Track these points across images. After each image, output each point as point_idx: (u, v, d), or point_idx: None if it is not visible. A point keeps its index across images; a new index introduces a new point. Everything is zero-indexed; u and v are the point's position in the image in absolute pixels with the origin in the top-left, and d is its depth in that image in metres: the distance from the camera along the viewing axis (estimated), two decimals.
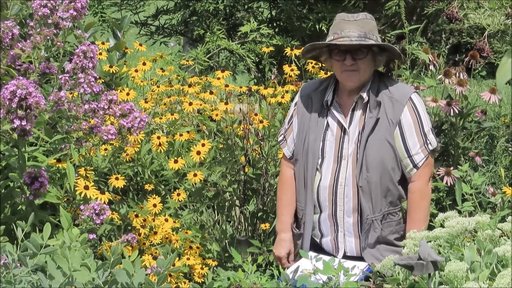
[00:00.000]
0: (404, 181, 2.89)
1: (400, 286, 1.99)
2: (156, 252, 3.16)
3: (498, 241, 1.99)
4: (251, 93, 3.89)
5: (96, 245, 3.09)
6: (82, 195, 2.97)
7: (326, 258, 2.40)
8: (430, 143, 2.86)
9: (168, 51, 8.33)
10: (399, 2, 4.32)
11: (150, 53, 6.39)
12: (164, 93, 4.03)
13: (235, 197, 3.72)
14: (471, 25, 3.73)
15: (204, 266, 3.30)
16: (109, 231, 3.31)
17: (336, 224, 2.90)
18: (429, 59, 3.73)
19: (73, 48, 3.43)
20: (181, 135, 3.61)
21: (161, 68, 4.16)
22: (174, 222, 3.35)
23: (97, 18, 7.08)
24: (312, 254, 2.62)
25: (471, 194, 3.26)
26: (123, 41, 4.67)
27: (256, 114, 3.72)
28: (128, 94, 3.87)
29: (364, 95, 2.86)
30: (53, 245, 2.26)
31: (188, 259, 3.24)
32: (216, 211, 3.83)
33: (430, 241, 2.03)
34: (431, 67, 3.85)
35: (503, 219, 2.44)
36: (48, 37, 2.94)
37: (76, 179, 2.94)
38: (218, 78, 3.79)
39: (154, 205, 3.35)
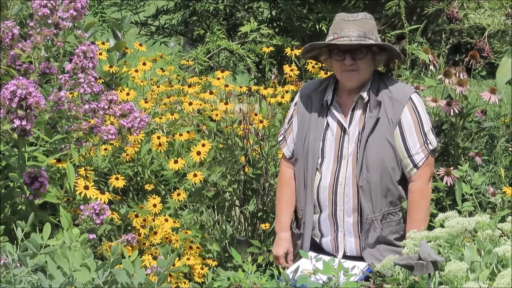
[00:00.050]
0: (404, 181, 2.89)
1: (400, 286, 1.99)
2: (156, 252, 3.16)
3: (498, 241, 1.99)
4: (251, 93, 3.89)
5: (96, 245, 3.09)
6: (82, 195, 2.97)
7: (326, 258, 2.40)
8: (430, 142, 2.86)
9: (168, 51, 8.33)
10: (399, 2, 4.32)
11: (150, 53, 6.39)
12: (164, 93, 4.03)
13: (235, 197, 3.72)
14: (471, 25, 3.73)
15: (204, 266, 3.30)
16: (109, 231, 3.31)
17: (336, 224, 2.90)
18: (429, 59, 3.73)
19: (73, 48, 3.43)
20: (181, 135, 3.61)
21: (161, 68, 4.16)
22: (174, 222, 3.35)
23: (97, 18, 7.08)
24: (312, 254, 2.62)
25: (471, 194, 3.26)
26: (123, 41, 4.67)
27: (256, 114, 3.72)
28: (128, 94, 3.87)
29: (364, 94, 2.86)
30: (53, 245, 2.26)
31: (188, 259, 3.25)
32: (216, 211, 3.83)
33: (430, 241, 2.03)
34: (431, 67, 3.85)
35: (503, 219, 2.44)
36: (48, 37, 2.94)
37: (76, 179, 2.94)
38: (218, 78, 3.79)
39: (154, 205, 3.35)
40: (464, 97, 3.86)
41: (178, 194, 3.45)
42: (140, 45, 4.32)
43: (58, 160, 3.01)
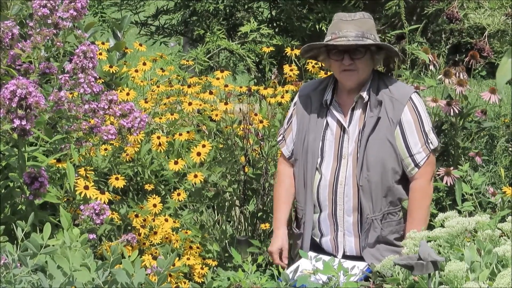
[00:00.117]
0: (404, 181, 2.89)
1: (400, 286, 1.99)
2: (156, 252, 3.16)
3: (498, 241, 1.99)
4: (251, 93, 3.89)
5: (96, 245, 3.09)
6: (82, 195, 2.97)
7: (326, 258, 2.40)
8: (431, 142, 2.86)
9: (168, 51, 8.33)
10: (399, 2, 4.32)
11: (150, 53, 6.39)
12: (164, 93, 4.03)
13: (235, 197, 3.72)
14: (471, 25, 3.73)
15: (204, 266, 3.30)
16: (109, 231, 3.31)
17: (336, 223, 2.90)
18: (429, 59, 3.73)
19: (73, 48, 3.43)
20: (180, 134, 3.61)
21: (161, 68, 4.16)
22: (174, 222, 3.34)
23: (97, 18, 7.08)
24: (311, 254, 2.62)
25: (471, 194, 3.26)
26: (123, 41, 4.67)
27: (256, 114, 3.72)
28: (128, 94, 3.87)
29: (364, 94, 2.87)
30: (53, 245, 2.26)
31: (188, 259, 3.24)
32: (216, 211, 3.82)
33: (430, 241, 2.03)
34: (431, 67, 3.85)
35: (503, 219, 2.44)
36: (48, 37, 2.93)
37: (76, 179, 2.94)
38: (218, 78, 3.79)
39: (154, 205, 3.35)
40: (464, 97, 3.86)
41: (178, 194, 3.44)
42: (140, 45, 4.32)
43: (58, 160, 3.01)
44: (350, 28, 2.81)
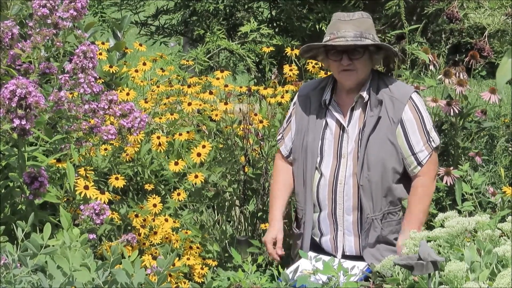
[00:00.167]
0: (405, 181, 2.89)
1: (400, 286, 1.99)
2: (156, 252, 3.16)
3: (498, 241, 1.99)
4: (251, 93, 3.89)
5: (96, 245, 3.09)
6: (82, 195, 2.97)
7: (326, 258, 2.40)
8: (433, 140, 2.87)
9: (168, 51, 8.32)
10: (399, 2, 4.32)
11: (150, 53, 6.39)
12: (164, 93, 4.03)
13: (235, 197, 3.72)
14: (471, 25, 3.73)
15: (204, 266, 3.30)
16: (109, 231, 3.31)
17: (335, 222, 2.90)
18: (429, 59, 3.73)
19: (73, 48, 3.43)
20: (180, 134, 3.61)
21: (161, 68, 4.16)
22: (174, 222, 3.34)
23: (97, 18, 7.08)
24: (311, 254, 2.62)
25: (471, 194, 3.26)
26: (123, 41, 4.67)
27: (256, 114, 3.72)
28: (128, 94, 3.87)
29: (364, 94, 2.87)
30: (53, 245, 2.26)
31: (188, 259, 3.24)
32: (216, 211, 3.82)
33: (430, 241, 2.03)
34: (431, 67, 3.85)
35: (503, 219, 2.44)
36: (48, 37, 2.93)
37: (76, 179, 2.94)
38: (218, 78, 3.79)
39: (154, 205, 3.35)
40: (464, 97, 3.86)
41: (178, 194, 3.45)
42: (140, 45, 4.32)
43: (58, 160, 3.01)
44: (349, 28, 2.81)
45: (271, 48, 4.32)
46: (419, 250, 1.80)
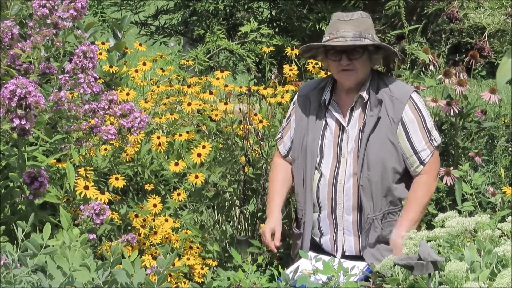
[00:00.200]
0: (405, 181, 2.89)
1: (400, 286, 1.99)
2: (156, 252, 3.16)
3: (498, 241, 1.99)
4: (251, 93, 3.89)
5: (96, 245, 3.09)
6: (82, 195, 2.97)
7: (326, 258, 2.40)
8: (434, 139, 2.87)
9: (168, 51, 8.32)
10: (399, 2, 4.31)
11: (150, 53, 6.39)
12: (164, 93, 4.03)
13: (235, 197, 3.72)
14: (471, 25, 3.73)
15: (204, 266, 3.30)
16: (109, 231, 3.31)
17: (335, 222, 2.90)
18: (429, 59, 3.73)
19: (73, 48, 3.43)
20: (180, 135, 3.61)
21: (161, 68, 4.16)
22: (174, 222, 3.34)
23: (97, 18, 7.08)
24: (311, 254, 2.62)
25: (471, 194, 3.26)
26: (123, 41, 4.67)
27: (256, 114, 3.72)
28: (128, 94, 3.87)
29: (364, 94, 2.87)
30: (53, 245, 2.26)
31: (188, 259, 3.24)
32: (216, 211, 3.82)
33: (430, 241, 2.03)
34: (431, 67, 3.85)
35: (503, 219, 2.44)
36: (48, 37, 2.93)
37: (76, 179, 2.94)
38: (218, 78, 3.79)
39: (154, 205, 3.35)
40: (464, 97, 3.86)
41: (178, 194, 3.44)
42: (140, 45, 4.32)
43: (58, 160, 3.01)
44: (348, 28, 2.81)
45: (271, 48, 4.32)
46: (419, 250, 1.80)
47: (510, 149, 3.97)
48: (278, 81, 4.04)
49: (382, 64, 3.65)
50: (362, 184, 2.82)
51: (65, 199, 3.07)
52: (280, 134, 3.10)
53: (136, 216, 3.25)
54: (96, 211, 2.73)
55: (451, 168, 3.51)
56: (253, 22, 4.72)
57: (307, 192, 2.93)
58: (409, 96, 2.86)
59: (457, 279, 1.78)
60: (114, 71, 4.22)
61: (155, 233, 3.26)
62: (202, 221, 3.75)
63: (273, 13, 5.79)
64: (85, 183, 2.99)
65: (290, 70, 3.91)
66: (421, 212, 2.85)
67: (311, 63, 3.92)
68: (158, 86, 4.03)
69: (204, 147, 3.48)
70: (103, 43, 4.13)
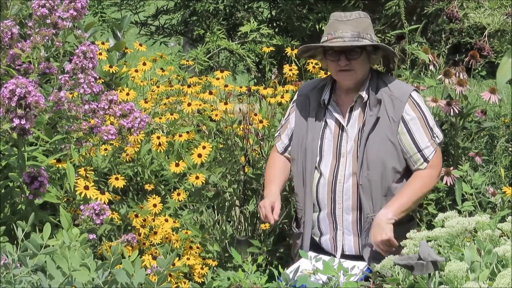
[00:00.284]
0: (405, 180, 2.89)
1: (400, 286, 1.99)
2: (156, 252, 3.16)
3: (498, 241, 1.99)
4: (251, 93, 3.89)
5: (96, 245, 3.09)
6: (82, 195, 2.97)
7: (326, 258, 2.40)
8: (437, 136, 2.88)
9: (168, 51, 8.33)
10: (399, 2, 4.31)
11: (150, 53, 6.38)
12: (164, 93, 4.03)
13: (235, 197, 3.72)
14: (471, 25, 3.73)
15: (204, 266, 3.30)
16: (109, 231, 3.31)
17: (335, 222, 2.90)
18: (429, 59, 3.73)
19: (73, 48, 3.43)
20: (180, 135, 3.60)
21: (161, 68, 4.16)
22: (174, 222, 3.34)
23: (97, 18, 7.08)
24: (311, 254, 2.62)
25: (471, 194, 3.26)
26: (123, 41, 4.67)
27: (256, 114, 3.72)
28: (128, 94, 3.87)
29: (364, 94, 2.87)
30: (53, 245, 2.26)
31: (188, 259, 3.24)
32: (216, 211, 3.82)
33: (430, 241, 2.03)
34: (431, 67, 3.85)
35: (503, 219, 2.44)
36: (48, 37, 2.93)
37: (76, 179, 2.94)
38: (218, 79, 3.79)
39: (154, 205, 3.35)
40: (464, 97, 3.86)
41: (178, 194, 3.44)
42: (140, 45, 4.32)
43: (58, 160, 3.01)
44: (346, 28, 2.81)
45: (271, 48, 4.32)
46: (419, 250, 1.80)
47: (510, 149, 3.97)
48: (278, 81, 4.04)
49: (382, 64, 3.65)
50: (361, 183, 2.82)
51: (65, 199, 3.07)
52: (278, 132, 3.11)
53: (136, 216, 3.25)
54: (96, 211, 2.73)
55: (451, 168, 3.51)
56: (253, 22, 4.72)
57: (307, 191, 2.93)
58: (409, 95, 2.86)
59: (457, 279, 1.78)
60: (114, 71, 4.22)
61: (155, 233, 3.26)
62: (202, 221, 3.75)
63: (273, 13, 5.79)
64: (85, 183, 2.99)
65: (290, 70, 3.91)
66: (413, 203, 2.83)
67: (311, 63, 3.92)
68: (158, 86, 4.03)
69: (204, 147, 3.48)
70: (103, 43, 4.13)
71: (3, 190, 2.85)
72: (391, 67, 3.69)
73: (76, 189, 2.94)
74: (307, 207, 2.93)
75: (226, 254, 3.56)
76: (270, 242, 3.59)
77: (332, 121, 2.93)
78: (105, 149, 3.47)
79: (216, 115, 3.71)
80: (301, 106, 3.00)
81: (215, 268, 3.40)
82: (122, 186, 3.34)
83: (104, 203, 2.83)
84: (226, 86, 3.82)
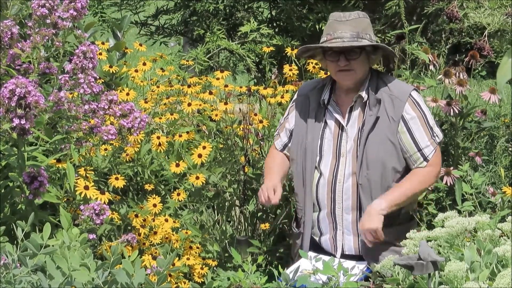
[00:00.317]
0: None
1: (400, 286, 1.99)
2: (156, 252, 3.16)
3: (498, 241, 1.99)
4: (251, 93, 3.89)
5: (96, 245, 3.09)
6: (82, 195, 2.97)
7: (326, 258, 2.40)
8: (437, 135, 2.88)
9: (168, 51, 8.33)
10: (399, 2, 4.31)
11: (150, 53, 6.39)
12: (164, 93, 4.03)
13: (235, 197, 3.72)
14: (471, 25, 3.72)
15: (204, 266, 3.30)
16: (109, 231, 3.31)
17: (334, 222, 2.90)
18: (429, 59, 3.73)
19: (73, 48, 3.43)
20: (180, 136, 3.60)
21: (161, 68, 4.16)
22: (174, 222, 3.34)
23: (97, 18, 7.08)
24: (311, 254, 2.62)
25: (471, 194, 3.26)
26: (123, 41, 4.67)
27: (256, 114, 3.72)
28: (128, 94, 3.87)
29: (363, 94, 2.87)
30: (53, 245, 2.26)
31: (188, 259, 3.24)
32: (216, 211, 3.82)
33: (430, 241, 2.03)
34: (431, 67, 3.85)
35: (503, 219, 2.44)
36: (47, 37, 2.93)
37: (76, 179, 2.94)
38: (218, 79, 3.79)
39: (154, 205, 3.35)
40: (464, 97, 3.86)
41: (178, 194, 3.44)
42: (140, 45, 4.32)
43: (58, 160, 3.01)
44: (345, 28, 2.81)
45: (271, 48, 4.32)
46: (419, 250, 1.80)
47: (510, 149, 3.97)
48: (278, 81, 4.04)
49: (382, 64, 3.65)
50: (361, 183, 2.82)
51: (65, 199, 3.07)
52: (277, 131, 3.11)
53: (136, 216, 3.25)
54: (96, 211, 2.73)
55: (451, 168, 3.51)
56: (253, 22, 4.72)
57: (307, 191, 2.93)
58: (408, 94, 2.87)
59: (457, 279, 1.78)
60: (114, 71, 4.22)
61: (155, 233, 3.26)
62: (202, 221, 3.75)
63: (273, 13, 5.79)
64: (85, 183, 2.99)
65: (290, 70, 3.91)
66: (408, 198, 2.82)
67: (311, 63, 3.92)
68: (158, 86, 4.03)
69: (204, 147, 3.48)
70: (103, 43, 4.13)
71: (3, 190, 2.85)
72: (391, 67, 3.69)
73: (76, 189, 2.94)
74: (307, 207, 2.93)
75: (226, 254, 3.56)
76: (270, 242, 3.59)
77: (332, 121, 2.93)
78: (105, 149, 3.47)
79: (216, 115, 3.71)
80: (300, 106, 3.00)
81: (215, 268, 3.40)
82: (122, 186, 3.34)
83: (104, 203, 2.83)
84: (226, 86, 3.82)
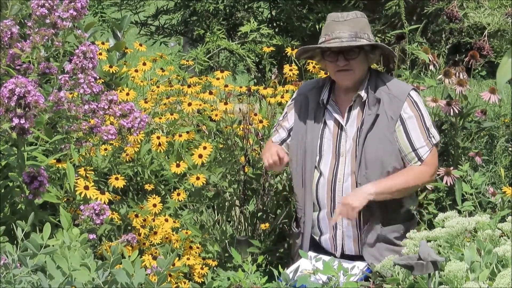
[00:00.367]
0: None
1: (400, 286, 1.99)
2: (156, 252, 3.16)
3: (498, 241, 1.99)
4: (251, 93, 3.89)
5: (96, 245, 3.09)
6: (82, 195, 2.97)
7: (326, 258, 2.40)
8: (433, 136, 2.88)
9: (168, 51, 8.33)
10: (399, 2, 4.31)
11: (150, 53, 6.39)
12: (164, 93, 4.03)
13: (235, 197, 3.72)
14: (471, 25, 3.72)
15: (204, 266, 3.30)
16: (109, 231, 3.31)
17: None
18: (429, 59, 3.73)
19: (73, 48, 3.43)
20: (180, 135, 3.60)
21: (161, 68, 4.16)
22: (174, 222, 3.34)
23: (97, 18, 7.08)
24: (311, 254, 2.62)
25: (471, 194, 3.26)
26: (123, 41, 4.67)
27: (255, 114, 3.72)
28: (128, 94, 3.87)
29: (362, 93, 2.87)
30: (53, 245, 2.26)
31: (188, 259, 3.24)
32: (216, 211, 3.82)
33: (430, 241, 2.03)
34: (431, 67, 3.85)
35: (503, 219, 2.44)
36: (47, 37, 2.93)
37: (76, 179, 2.94)
38: (218, 78, 3.79)
39: (154, 205, 3.35)
40: (464, 97, 3.86)
41: (178, 194, 3.44)
42: (140, 45, 4.32)
43: (58, 160, 3.01)
44: (343, 29, 2.81)
45: (271, 48, 4.32)
46: (419, 250, 1.80)
47: (510, 149, 3.97)
48: (278, 81, 4.04)
49: (382, 64, 3.65)
50: (360, 182, 2.82)
51: (65, 199, 3.07)
52: (275, 127, 3.12)
53: (136, 216, 3.25)
54: (96, 211, 2.73)
55: (451, 168, 3.51)
56: (253, 22, 4.72)
57: (307, 191, 2.93)
58: (407, 93, 2.87)
59: (457, 279, 1.78)
60: (114, 71, 4.22)
61: (155, 233, 3.26)
62: (202, 221, 3.75)
63: (273, 13, 5.79)
64: (85, 183, 2.99)
65: (290, 70, 3.91)
66: (397, 191, 2.81)
67: (311, 63, 3.92)
68: (158, 86, 4.03)
69: (205, 148, 3.48)
70: (103, 43, 4.13)
71: (3, 190, 2.85)
72: (391, 67, 3.69)
73: (76, 189, 2.94)
74: (307, 206, 2.93)
75: (226, 254, 3.56)
76: (270, 242, 3.59)
77: (331, 121, 2.93)
78: (105, 149, 3.47)
79: (216, 115, 3.71)
80: (300, 106, 3.00)
81: (215, 268, 3.40)
82: (122, 186, 3.34)
83: (104, 203, 2.83)
84: (226, 86, 3.82)
